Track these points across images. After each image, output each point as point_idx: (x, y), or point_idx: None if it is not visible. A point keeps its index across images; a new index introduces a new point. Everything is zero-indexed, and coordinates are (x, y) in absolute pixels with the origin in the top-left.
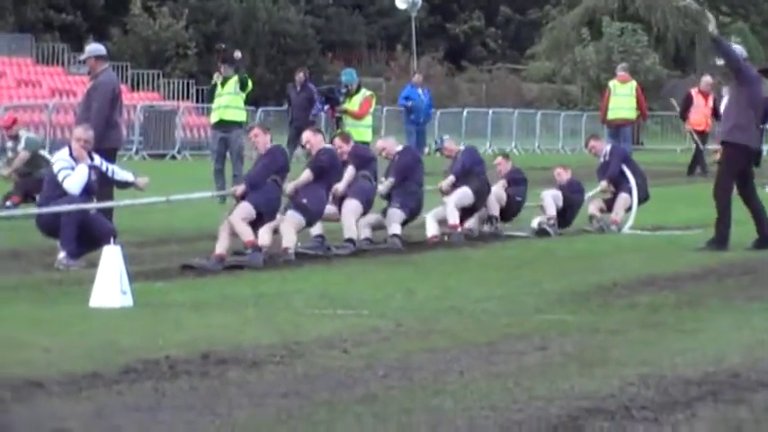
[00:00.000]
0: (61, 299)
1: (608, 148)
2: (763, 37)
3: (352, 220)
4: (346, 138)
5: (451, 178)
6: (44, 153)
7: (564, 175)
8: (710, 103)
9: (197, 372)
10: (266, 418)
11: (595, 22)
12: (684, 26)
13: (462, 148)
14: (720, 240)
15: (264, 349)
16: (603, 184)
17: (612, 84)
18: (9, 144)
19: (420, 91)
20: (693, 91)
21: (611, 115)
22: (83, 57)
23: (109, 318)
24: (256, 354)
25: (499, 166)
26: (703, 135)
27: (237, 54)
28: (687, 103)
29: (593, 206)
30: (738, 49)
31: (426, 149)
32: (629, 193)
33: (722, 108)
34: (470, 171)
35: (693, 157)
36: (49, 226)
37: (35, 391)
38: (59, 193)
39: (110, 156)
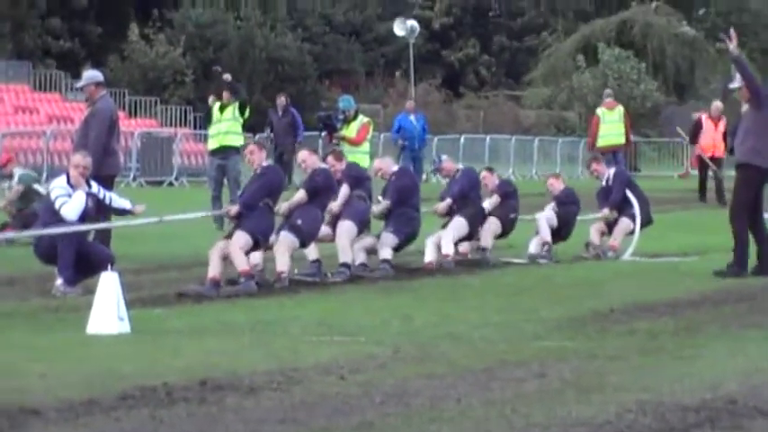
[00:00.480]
0: (58, 326)
1: (611, 172)
2: (759, 64)
3: (347, 243)
4: (339, 156)
5: (449, 201)
6: (38, 187)
7: (557, 185)
8: (721, 128)
9: (194, 398)
10: None
11: (591, 49)
12: (682, 53)
13: (461, 167)
14: (740, 264)
15: (262, 376)
16: (606, 211)
17: (601, 111)
18: (6, 184)
19: (413, 117)
20: (703, 116)
21: (601, 143)
22: (80, 83)
23: (106, 344)
24: (253, 380)
25: (485, 181)
26: (716, 161)
27: (227, 76)
28: (697, 128)
29: (594, 230)
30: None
31: (424, 176)
32: (632, 218)
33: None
34: (467, 196)
35: (701, 182)
36: (47, 253)
37: (31, 418)
38: (56, 220)
39: (108, 183)
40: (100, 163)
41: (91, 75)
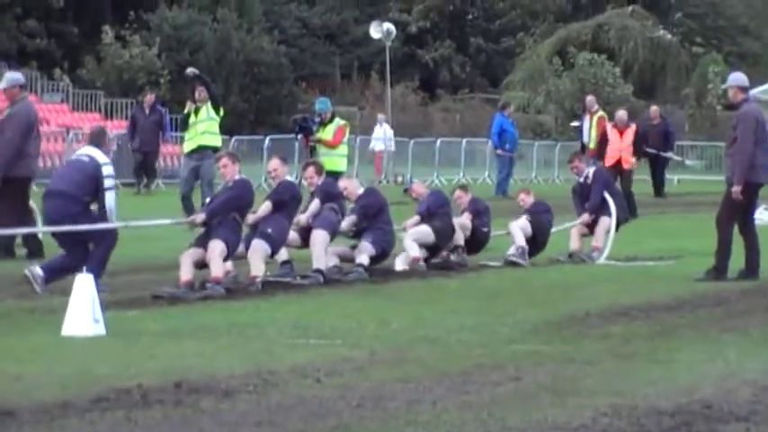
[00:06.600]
0: (33, 327)
1: (590, 171)
2: (736, 68)
3: (321, 250)
4: (320, 170)
5: (416, 218)
6: None
7: (527, 200)
8: (629, 137)
9: (170, 401)
10: None
11: (567, 53)
12: (654, 57)
13: (428, 192)
14: (720, 270)
15: (238, 378)
16: (585, 217)
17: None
18: None
19: (511, 120)
20: (609, 126)
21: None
22: (3, 86)
23: (81, 346)
24: (229, 383)
25: (459, 201)
26: (624, 173)
27: (191, 70)
28: (603, 139)
29: (574, 235)
30: (740, 77)
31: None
32: (610, 216)
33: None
34: (435, 213)
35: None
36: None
37: (6, 419)
38: None
39: (22, 185)
40: (11, 165)
41: (15, 77)
